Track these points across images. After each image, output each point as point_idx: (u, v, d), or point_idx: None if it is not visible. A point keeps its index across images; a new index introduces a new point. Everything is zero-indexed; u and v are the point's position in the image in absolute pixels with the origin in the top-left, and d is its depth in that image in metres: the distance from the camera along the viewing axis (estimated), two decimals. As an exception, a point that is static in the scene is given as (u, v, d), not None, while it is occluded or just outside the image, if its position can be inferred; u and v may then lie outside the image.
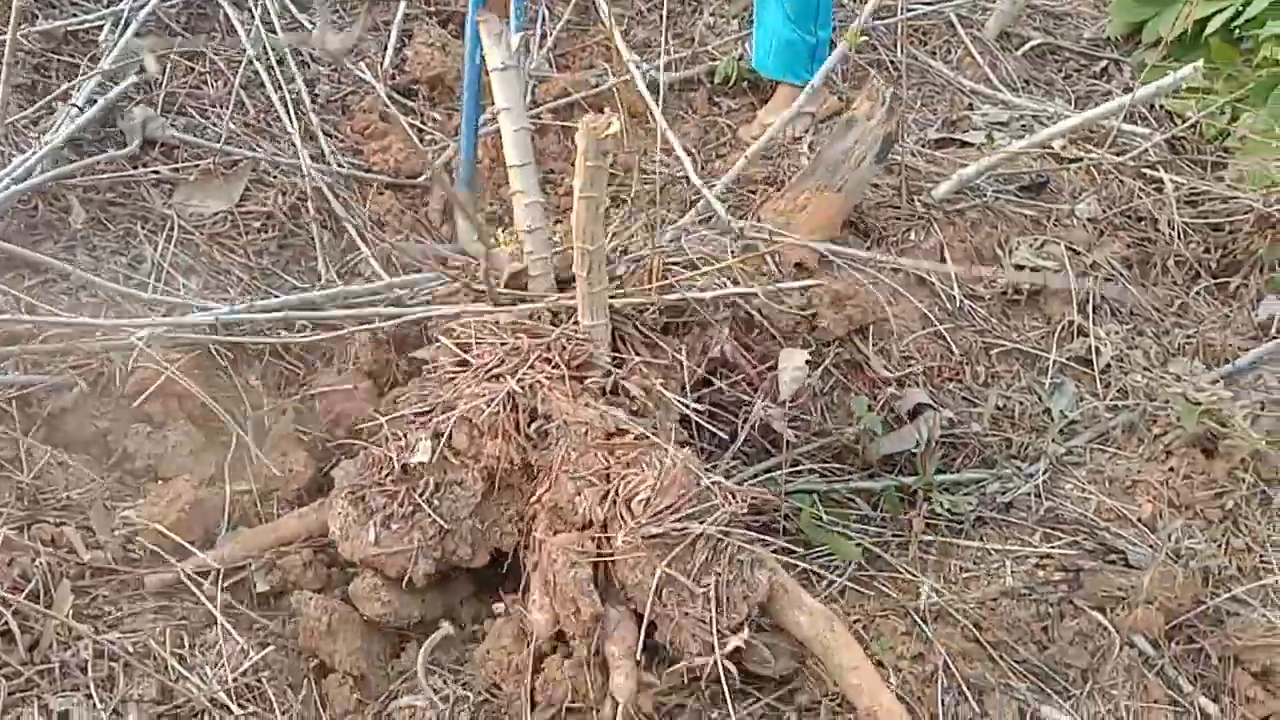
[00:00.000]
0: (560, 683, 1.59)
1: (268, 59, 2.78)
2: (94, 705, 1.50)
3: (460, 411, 1.68)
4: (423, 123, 2.88)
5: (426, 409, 1.75)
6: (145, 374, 1.99)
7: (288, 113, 2.63)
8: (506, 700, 1.61)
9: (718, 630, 1.57)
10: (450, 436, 1.69)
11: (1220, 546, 2.02)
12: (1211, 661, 1.87)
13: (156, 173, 2.49)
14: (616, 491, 1.63)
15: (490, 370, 1.73)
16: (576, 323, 1.78)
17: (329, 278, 2.39)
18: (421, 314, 2.02)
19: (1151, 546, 1.96)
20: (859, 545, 1.98)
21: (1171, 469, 2.14)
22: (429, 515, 1.67)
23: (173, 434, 1.97)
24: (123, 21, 2.75)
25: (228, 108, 2.68)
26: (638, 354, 1.84)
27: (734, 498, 1.67)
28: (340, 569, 1.83)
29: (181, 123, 2.62)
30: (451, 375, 1.77)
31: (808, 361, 2.12)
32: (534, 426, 1.71)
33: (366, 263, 2.41)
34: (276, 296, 2.29)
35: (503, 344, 1.76)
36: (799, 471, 2.11)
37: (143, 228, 2.38)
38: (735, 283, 2.02)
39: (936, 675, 1.75)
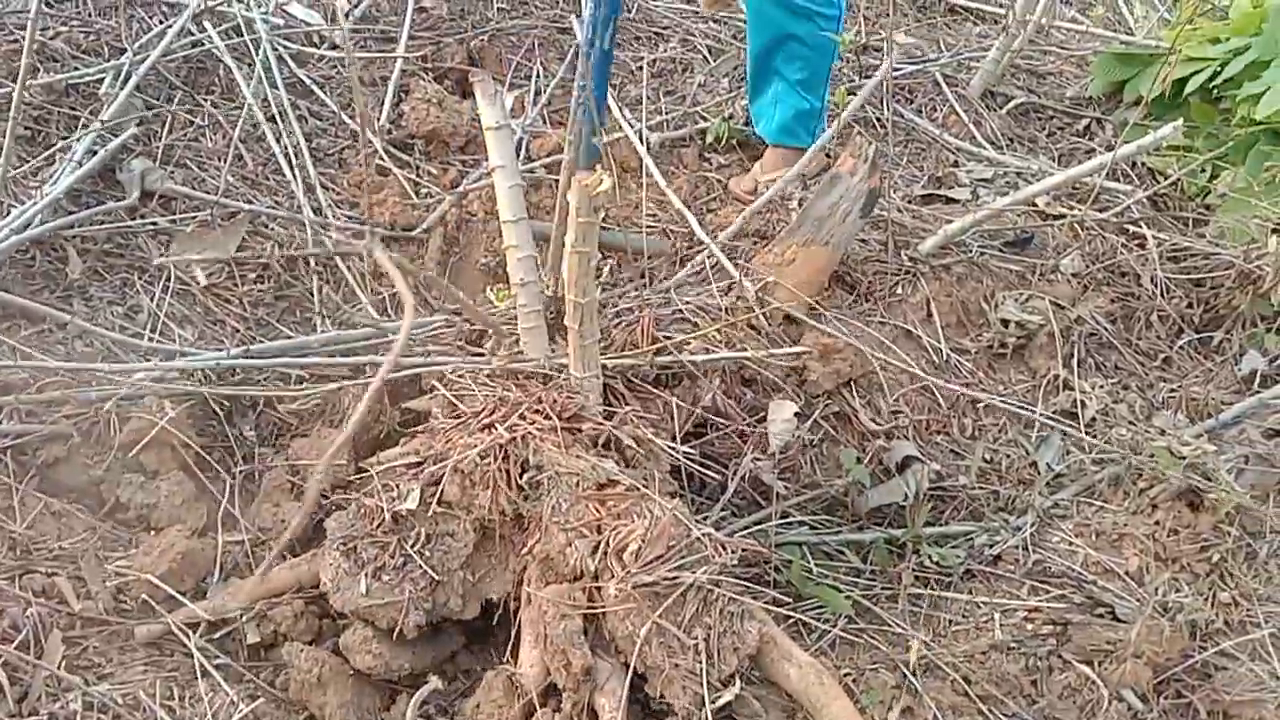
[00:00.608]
0: (549, 738, 1.59)
1: (269, 111, 2.83)
2: (82, 759, 1.49)
3: (452, 462, 1.69)
4: (418, 176, 2.92)
5: (419, 460, 1.77)
6: (140, 424, 2.01)
7: (290, 165, 2.66)
8: (497, 754, 1.61)
9: (708, 683, 1.58)
10: (441, 487, 1.70)
11: (1207, 600, 2.03)
12: (1200, 716, 1.87)
13: (154, 224, 2.52)
14: (607, 542, 1.64)
15: (482, 421, 1.75)
16: (568, 375, 1.80)
17: (324, 328, 2.42)
18: (418, 366, 2.04)
19: (1139, 600, 1.97)
20: (848, 598, 1.99)
21: (1157, 522, 2.15)
22: (420, 566, 1.67)
23: (165, 484, 1.98)
24: (123, 75, 2.81)
25: (226, 160, 2.72)
26: (628, 405, 1.86)
27: (724, 549, 1.68)
28: (331, 620, 1.83)
29: (180, 175, 2.66)
30: (444, 426, 1.79)
31: (797, 414, 2.14)
32: (525, 477, 1.72)
33: (364, 311, 2.43)
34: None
35: (494, 394, 1.78)
36: (789, 523, 2.12)
37: (139, 278, 2.41)
38: (728, 344, 2.05)
39: (927, 729, 1.75)
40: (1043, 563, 2.06)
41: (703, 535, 1.68)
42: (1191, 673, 1.89)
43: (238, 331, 2.39)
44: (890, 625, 1.95)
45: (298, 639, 1.75)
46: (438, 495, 1.70)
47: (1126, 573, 2.05)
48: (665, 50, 3.57)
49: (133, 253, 2.46)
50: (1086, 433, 2.30)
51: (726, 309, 2.15)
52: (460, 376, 1.88)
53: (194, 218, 2.56)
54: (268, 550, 1.92)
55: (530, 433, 1.71)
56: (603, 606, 1.62)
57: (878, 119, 3.38)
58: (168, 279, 2.41)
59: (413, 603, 1.68)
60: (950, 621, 1.97)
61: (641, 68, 3.44)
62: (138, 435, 2.00)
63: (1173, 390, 2.51)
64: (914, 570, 2.08)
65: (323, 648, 1.76)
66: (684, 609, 1.61)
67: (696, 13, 3.72)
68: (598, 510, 1.67)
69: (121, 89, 2.72)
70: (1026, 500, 2.22)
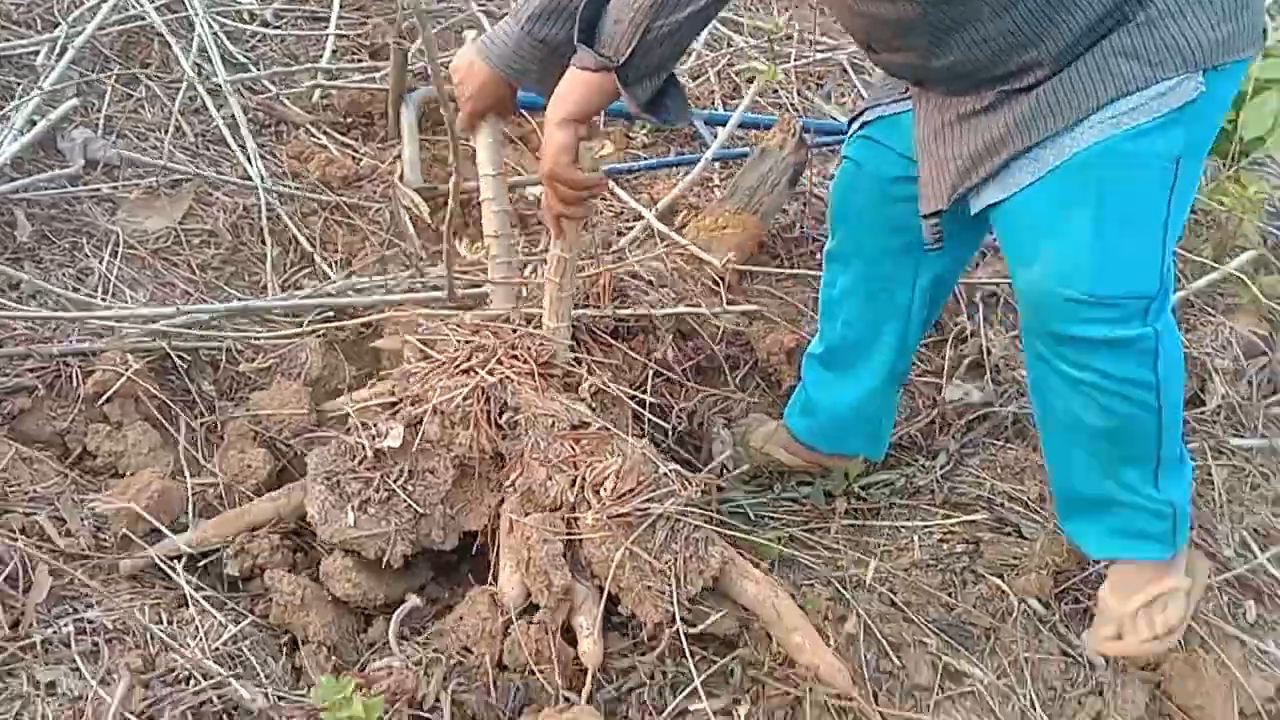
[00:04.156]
0: (526, 645, 1.72)
1: (207, 85, 2.89)
2: (80, 675, 1.56)
3: (434, 403, 1.81)
4: (356, 154, 3.00)
5: (394, 400, 1.88)
6: (103, 376, 2.07)
7: (234, 135, 2.73)
8: (477, 661, 1.73)
9: (677, 601, 1.71)
10: (423, 426, 1.81)
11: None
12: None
13: (98, 190, 2.56)
14: (584, 477, 1.75)
15: (460, 366, 1.87)
16: (538, 324, 1.93)
17: (275, 289, 2.50)
18: (378, 307, 2.14)
19: (1040, 520, 2.20)
20: (788, 531, 2.17)
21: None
22: (404, 500, 1.78)
23: (132, 432, 2.04)
24: (59, 47, 2.83)
25: (167, 131, 2.77)
26: (592, 355, 2.00)
27: (689, 483, 1.81)
28: (305, 554, 1.93)
29: (121, 144, 2.70)
30: (418, 370, 1.90)
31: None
32: (504, 418, 1.83)
33: (316, 272, 2.52)
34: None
35: (468, 342, 1.90)
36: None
37: (88, 242, 2.45)
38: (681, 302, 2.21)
39: (859, 635, 1.94)
40: (956, 491, 2.28)
41: (669, 471, 1.80)
42: (1086, 582, 2.11)
43: (188, 295, 2.44)
44: (823, 550, 2.14)
45: (276, 569, 1.84)
46: (420, 434, 1.81)
47: (1028, 499, 2.28)
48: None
49: (79, 218, 2.49)
50: (992, 379, 2.52)
51: (675, 270, 2.31)
52: (432, 325, 1.99)
53: (138, 185, 2.61)
54: (237, 494, 2.00)
55: (508, 376, 1.83)
56: (580, 534, 1.73)
57: (791, 104, 3.60)
58: (115, 243, 2.46)
59: (399, 534, 1.78)
60: (877, 544, 2.16)
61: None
62: (102, 387, 2.06)
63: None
64: (844, 509, 2.27)
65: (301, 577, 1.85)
66: (654, 537, 1.73)
67: None
68: (573, 448, 1.78)
69: (59, 60, 2.74)
70: (942, 444, 2.44)
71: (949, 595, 2.07)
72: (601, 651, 1.71)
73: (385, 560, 1.79)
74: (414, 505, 1.79)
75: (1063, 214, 1.58)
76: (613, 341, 2.08)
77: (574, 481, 1.76)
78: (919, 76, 1.70)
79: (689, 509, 1.78)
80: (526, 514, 1.78)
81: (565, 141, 1.62)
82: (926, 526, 2.19)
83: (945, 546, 2.16)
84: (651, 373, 2.15)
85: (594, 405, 1.92)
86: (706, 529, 1.81)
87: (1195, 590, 1.93)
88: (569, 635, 1.77)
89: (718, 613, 1.78)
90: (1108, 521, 1.86)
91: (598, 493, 1.75)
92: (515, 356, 1.87)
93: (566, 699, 1.68)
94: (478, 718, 1.67)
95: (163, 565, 1.78)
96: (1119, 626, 1.89)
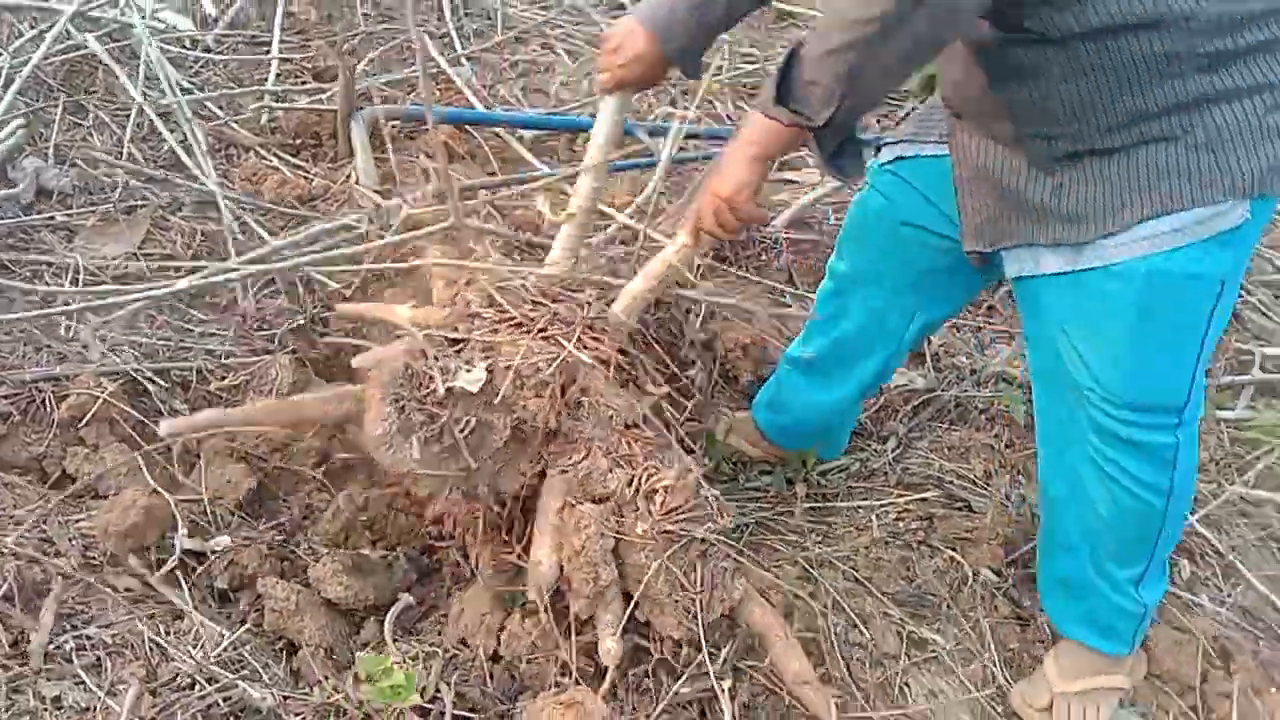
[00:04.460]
0: (522, 638, 1.78)
1: (158, 107, 2.91)
2: (86, 688, 1.60)
3: (514, 362, 1.73)
4: (308, 174, 3.04)
5: (458, 339, 1.78)
6: (78, 400, 2.09)
7: (191, 156, 2.76)
8: (473, 654, 1.79)
9: (699, 622, 1.74)
10: (495, 380, 1.74)
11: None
12: (1043, 584, 2.25)
13: (52, 219, 2.58)
14: (640, 479, 1.76)
15: (539, 330, 1.80)
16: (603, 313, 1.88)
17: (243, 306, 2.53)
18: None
19: (988, 495, 2.34)
20: (755, 517, 2.28)
21: (996, 435, 2.54)
22: (461, 449, 1.72)
23: (109, 454, 2.07)
24: (2, 78, 2.83)
25: (120, 158, 2.79)
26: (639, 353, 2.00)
27: (725, 513, 1.82)
28: (291, 563, 1.98)
29: (73, 173, 2.71)
30: (480, 315, 1.82)
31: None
32: (571, 396, 1.80)
33: (274, 294, 2.56)
34: (190, 330, 2.42)
35: (542, 305, 1.84)
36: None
37: (48, 270, 2.46)
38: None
39: (828, 609, 2.05)
40: (908, 471, 2.40)
41: (710, 496, 1.82)
42: (1034, 551, 2.25)
43: (153, 317, 2.47)
44: (789, 534, 2.25)
45: (267, 578, 1.89)
46: (490, 387, 1.73)
47: (974, 477, 2.42)
48: (527, 53, 3.82)
49: (37, 246, 2.51)
50: (933, 366, 2.67)
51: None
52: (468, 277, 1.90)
53: (93, 211, 2.63)
54: (220, 510, 2.04)
55: (585, 359, 1.79)
56: (629, 537, 1.73)
57: (728, 116, 3.73)
58: (76, 270, 2.48)
59: (453, 481, 1.75)
60: (837, 525, 2.28)
61: (506, 68, 3.67)
62: (78, 411, 2.09)
63: (998, 331, 2.92)
64: (805, 494, 2.38)
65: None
66: (688, 555, 1.75)
67: (552, 17, 3.97)
68: (631, 447, 1.79)
69: (5, 91, 2.75)
70: (891, 428, 2.57)
71: (908, 569, 2.19)
72: (622, 650, 1.73)
73: (384, 558, 1.83)
74: (469, 456, 1.73)
75: (1099, 321, 1.61)
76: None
77: (631, 481, 1.76)
78: (967, 108, 1.71)
79: (720, 537, 1.81)
80: (577, 500, 1.76)
81: (752, 179, 1.63)
82: (883, 506, 2.31)
83: (901, 524, 2.28)
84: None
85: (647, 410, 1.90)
86: (732, 560, 1.84)
87: (1129, 686, 2.03)
88: (568, 627, 1.83)
89: (731, 638, 1.85)
90: (1083, 607, 1.94)
91: (649, 500, 1.75)
92: (593, 338, 1.82)
93: (576, 683, 1.73)
94: (477, 706, 1.74)
95: (153, 583, 1.82)
96: (1050, 699, 1.98)
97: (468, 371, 1.69)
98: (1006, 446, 2.56)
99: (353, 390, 1.80)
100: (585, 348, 1.79)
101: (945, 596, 2.16)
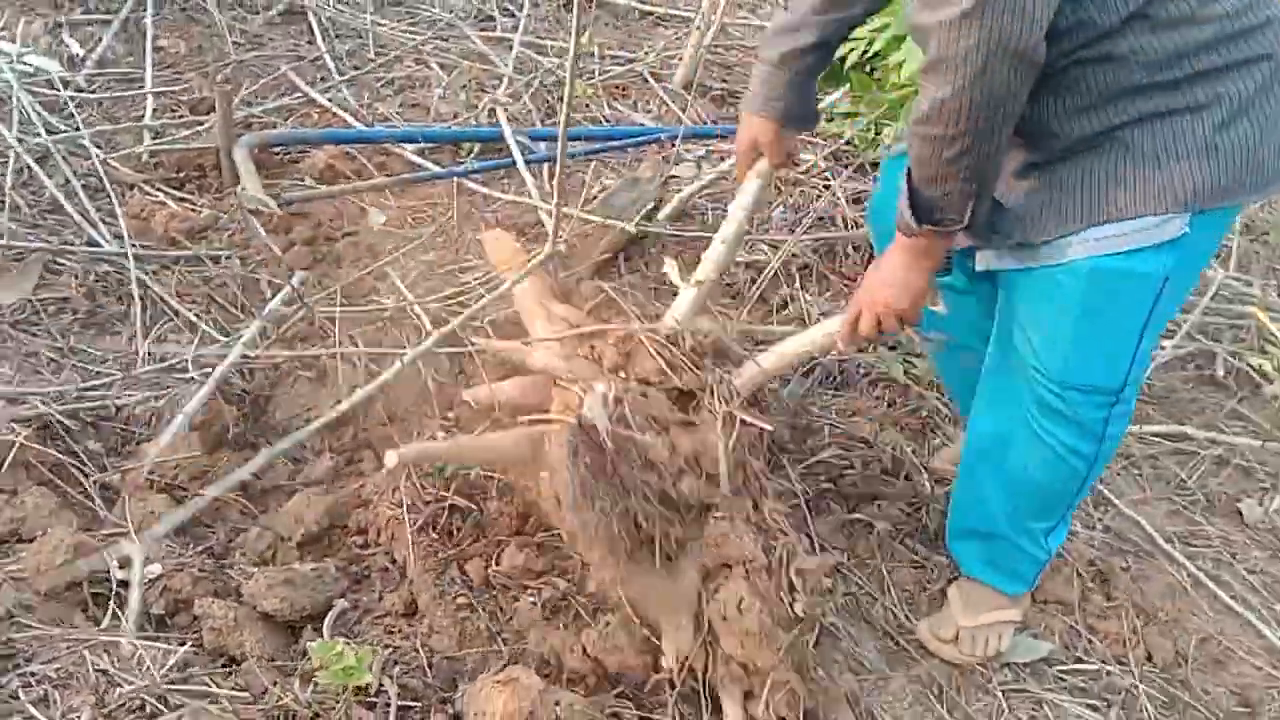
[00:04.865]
0: (448, 632, 1.90)
1: (38, 153, 2.91)
2: (37, 722, 1.65)
3: (687, 451, 1.85)
4: (195, 206, 3.07)
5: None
6: (-7, 447, 2.12)
7: (74, 201, 2.76)
8: (412, 647, 1.90)
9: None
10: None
11: (923, 447, 2.63)
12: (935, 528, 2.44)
13: (-61, 272, 2.57)
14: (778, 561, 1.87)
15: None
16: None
17: (140, 347, 2.56)
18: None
19: (875, 455, 2.53)
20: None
21: (878, 398, 2.74)
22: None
23: (30, 497, 2.10)
24: None
25: (2, 209, 2.78)
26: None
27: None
28: (224, 584, 2.04)
29: (-46, 225, 2.70)
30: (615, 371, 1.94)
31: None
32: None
33: (177, 329, 2.60)
34: (90, 370, 2.45)
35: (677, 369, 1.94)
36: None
37: (-61, 322, 2.46)
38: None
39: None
40: (798, 431, 2.58)
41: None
42: (921, 505, 2.45)
43: (53, 360, 2.49)
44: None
45: (203, 598, 1.95)
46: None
47: (863, 437, 2.60)
48: (402, 69, 3.89)
49: (-75, 299, 2.50)
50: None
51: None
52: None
53: (-19, 262, 2.62)
54: (145, 540, 2.09)
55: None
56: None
57: (602, 116, 3.86)
58: (-31, 320, 2.48)
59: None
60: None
61: (384, 85, 3.74)
62: (-4, 457, 2.11)
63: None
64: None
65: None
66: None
67: (422, 38, 4.05)
68: (776, 520, 1.92)
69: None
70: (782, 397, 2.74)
71: (808, 526, 2.36)
72: None
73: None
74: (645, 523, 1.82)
75: (1047, 311, 1.76)
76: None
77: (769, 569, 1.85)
78: None
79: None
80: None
81: (927, 289, 1.74)
82: (780, 468, 2.48)
83: (803, 484, 2.45)
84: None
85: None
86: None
87: (1021, 616, 2.21)
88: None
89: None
90: (989, 552, 2.12)
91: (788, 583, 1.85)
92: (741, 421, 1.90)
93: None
94: (419, 695, 1.84)
95: (90, 616, 1.86)
96: (955, 633, 2.16)
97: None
98: (889, 406, 2.76)
99: (530, 433, 1.91)
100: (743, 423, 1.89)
101: (846, 548, 2.34)
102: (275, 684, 1.77)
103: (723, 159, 3.62)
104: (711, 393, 1.90)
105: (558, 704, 1.73)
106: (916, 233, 1.65)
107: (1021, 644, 2.22)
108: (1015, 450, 1.94)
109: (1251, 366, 2.99)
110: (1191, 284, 1.86)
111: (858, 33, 3.78)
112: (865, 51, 3.74)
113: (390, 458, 1.76)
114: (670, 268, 2.22)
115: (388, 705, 1.77)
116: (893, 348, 2.84)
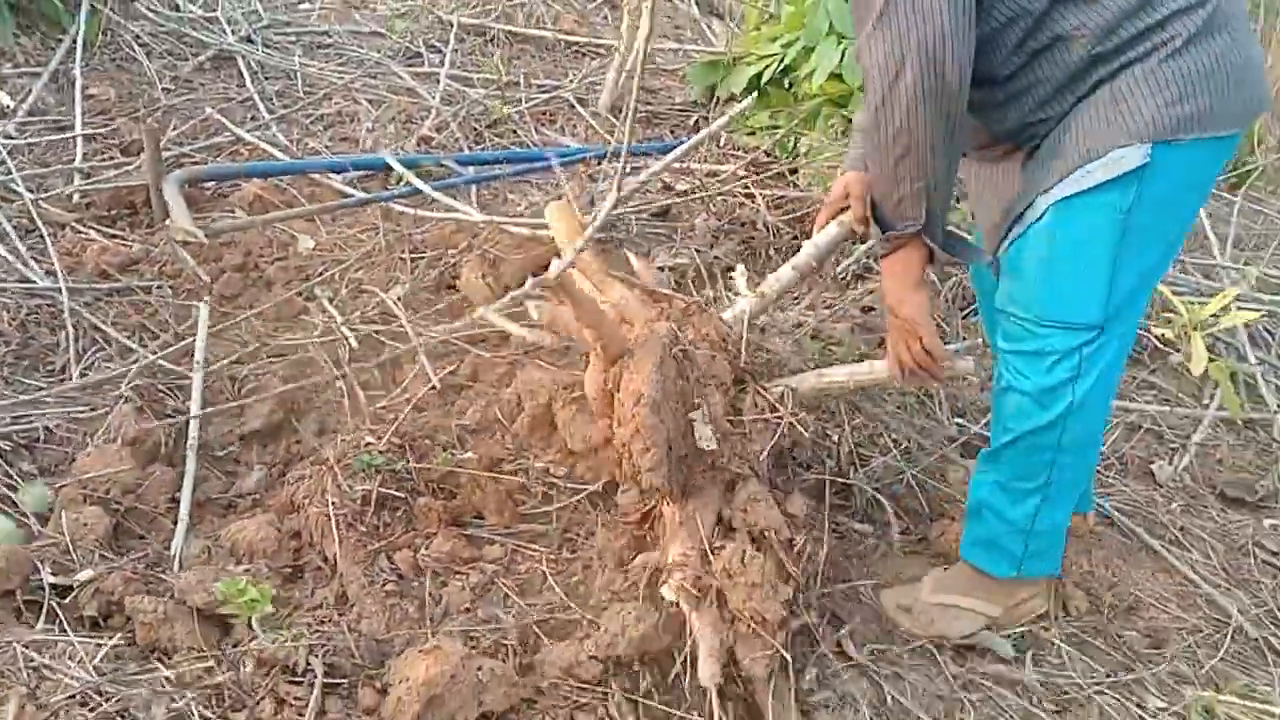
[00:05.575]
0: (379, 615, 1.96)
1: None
2: (-33, 720, 1.68)
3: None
4: (126, 241, 3.13)
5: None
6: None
7: (5, 242, 2.82)
8: (340, 630, 1.95)
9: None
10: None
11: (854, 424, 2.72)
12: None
13: None
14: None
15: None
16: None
17: (75, 373, 2.61)
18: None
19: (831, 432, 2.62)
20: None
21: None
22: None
23: (-36, 515, 2.14)
24: None
25: (-66, 247, 2.83)
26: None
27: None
28: (156, 587, 2.08)
29: (-117, 266, 2.75)
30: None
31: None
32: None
33: (109, 357, 2.65)
34: (18, 395, 2.49)
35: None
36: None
37: (-128, 359, 2.50)
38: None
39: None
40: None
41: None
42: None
43: (-11, 391, 2.53)
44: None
45: (134, 596, 1.99)
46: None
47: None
48: (330, 106, 3.99)
49: None
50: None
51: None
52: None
53: (-88, 300, 2.67)
54: (80, 548, 2.13)
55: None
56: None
57: (533, 142, 3.98)
58: (-99, 358, 2.52)
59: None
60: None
61: (314, 122, 3.84)
62: (-75, 478, 2.14)
63: (795, 297, 3.24)
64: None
65: (156, 602, 2.00)
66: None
67: (351, 77, 4.15)
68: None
69: None
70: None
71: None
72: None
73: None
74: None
75: (1020, 260, 1.88)
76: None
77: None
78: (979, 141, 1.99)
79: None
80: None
81: (921, 297, 1.87)
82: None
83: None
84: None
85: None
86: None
87: (1003, 622, 2.20)
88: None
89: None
90: (976, 528, 2.14)
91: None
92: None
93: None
94: (347, 674, 1.88)
95: (23, 620, 1.90)
96: (914, 603, 2.19)
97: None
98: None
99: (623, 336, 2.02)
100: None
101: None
102: (210, 669, 1.82)
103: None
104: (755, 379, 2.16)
105: (479, 669, 1.79)
106: (886, 249, 1.84)
107: (986, 638, 2.21)
108: (998, 403, 2.01)
109: (1155, 337, 3.12)
110: (1174, 220, 1.87)
111: (770, 48, 3.96)
112: (779, 66, 3.91)
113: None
114: (739, 274, 2.41)
115: (313, 683, 1.81)
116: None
